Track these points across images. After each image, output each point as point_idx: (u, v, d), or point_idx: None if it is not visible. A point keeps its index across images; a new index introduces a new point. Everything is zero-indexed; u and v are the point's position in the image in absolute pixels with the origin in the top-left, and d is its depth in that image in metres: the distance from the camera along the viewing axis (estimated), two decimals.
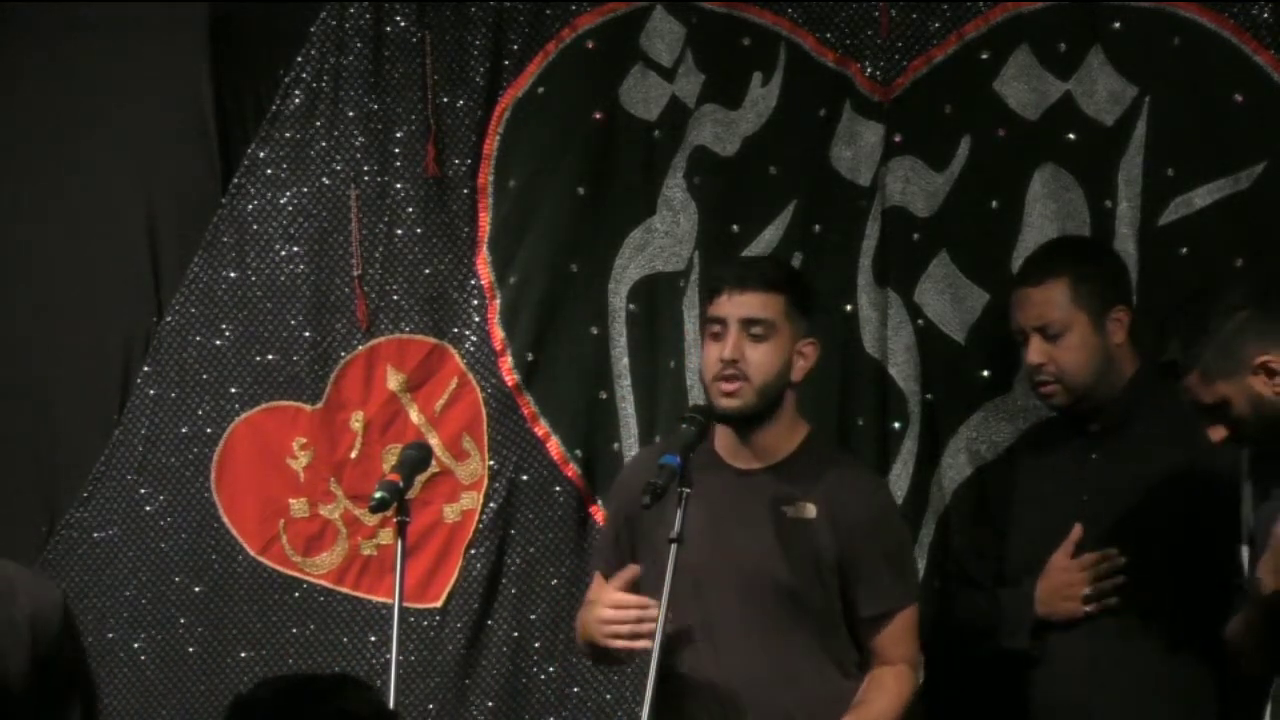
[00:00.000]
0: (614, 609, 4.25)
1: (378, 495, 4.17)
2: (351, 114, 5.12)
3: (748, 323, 4.32)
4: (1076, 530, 4.43)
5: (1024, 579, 4.50)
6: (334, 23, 5.11)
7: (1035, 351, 4.50)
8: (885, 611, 4.35)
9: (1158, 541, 4.41)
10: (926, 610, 4.86)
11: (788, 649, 4.29)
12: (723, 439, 4.39)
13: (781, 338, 4.35)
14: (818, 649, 4.32)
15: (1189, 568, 4.37)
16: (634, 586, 4.44)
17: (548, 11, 5.07)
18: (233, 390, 5.14)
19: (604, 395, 5.07)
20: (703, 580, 4.27)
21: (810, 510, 4.33)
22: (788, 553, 4.30)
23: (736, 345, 4.31)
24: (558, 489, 5.07)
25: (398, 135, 5.12)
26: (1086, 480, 4.51)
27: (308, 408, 5.14)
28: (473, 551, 5.08)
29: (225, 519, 5.15)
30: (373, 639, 5.09)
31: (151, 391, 5.15)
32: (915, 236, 4.95)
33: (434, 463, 4.98)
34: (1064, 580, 4.43)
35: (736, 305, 4.33)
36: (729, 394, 4.31)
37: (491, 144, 5.10)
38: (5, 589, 3.80)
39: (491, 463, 5.09)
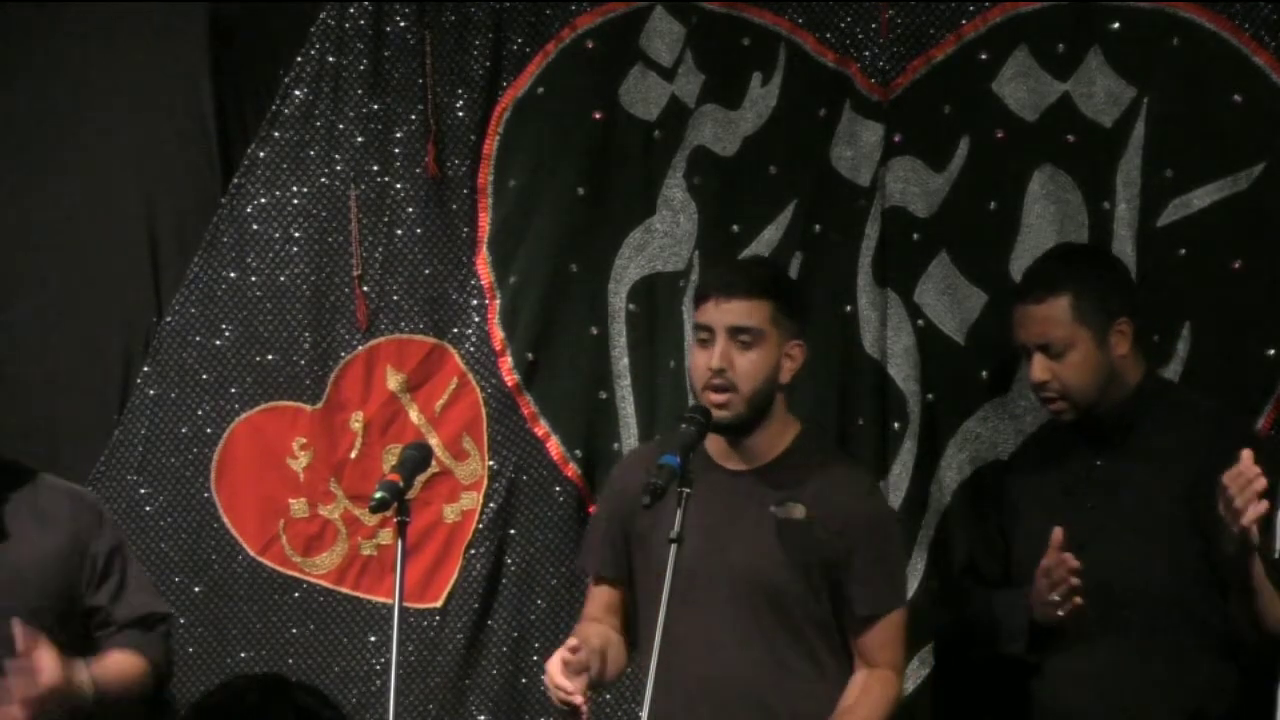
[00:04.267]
0: (557, 673, 4.15)
1: (378, 495, 4.15)
2: (351, 114, 5.12)
3: (735, 330, 4.31)
4: (1057, 534, 4.35)
5: (1026, 583, 4.47)
6: (334, 23, 5.11)
7: (1039, 369, 4.46)
8: (874, 613, 4.34)
9: (1162, 547, 4.38)
10: (925, 609, 4.89)
11: (777, 650, 4.29)
12: (714, 441, 4.39)
13: (769, 343, 4.33)
14: (806, 650, 4.32)
15: (1194, 574, 4.36)
16: (630, 589, 4.45)
17: (548, 11, 5.07)
18: (233, 390, 5.14)
19: (604, 395, 5.07)
20: (695, 581, 4.27)
21: (800, 511, 4.32)
22: (777, 554, 4.30)
23: (724, 354, 4.29)
24: (558, 489, 5.07)
25: (398, 135, 5.12)
26: (1091, 486, 4.48)
27: (308, 408, 5.14)
28: (472, 551, 5.08)
29: (225, 519, 5.15)
30: (372, 639, 5.10)
31: (151, 391, 5.15)
32: (915, 236, 4.95)
33: (434, 463, 4.98)
34: (1042, 585, 4.39)
35: (723, 313, 4.32)
36: (719, 405, 4.30)
37: (491, 144, 5.10)
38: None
39: (491, 463, 5.09)
